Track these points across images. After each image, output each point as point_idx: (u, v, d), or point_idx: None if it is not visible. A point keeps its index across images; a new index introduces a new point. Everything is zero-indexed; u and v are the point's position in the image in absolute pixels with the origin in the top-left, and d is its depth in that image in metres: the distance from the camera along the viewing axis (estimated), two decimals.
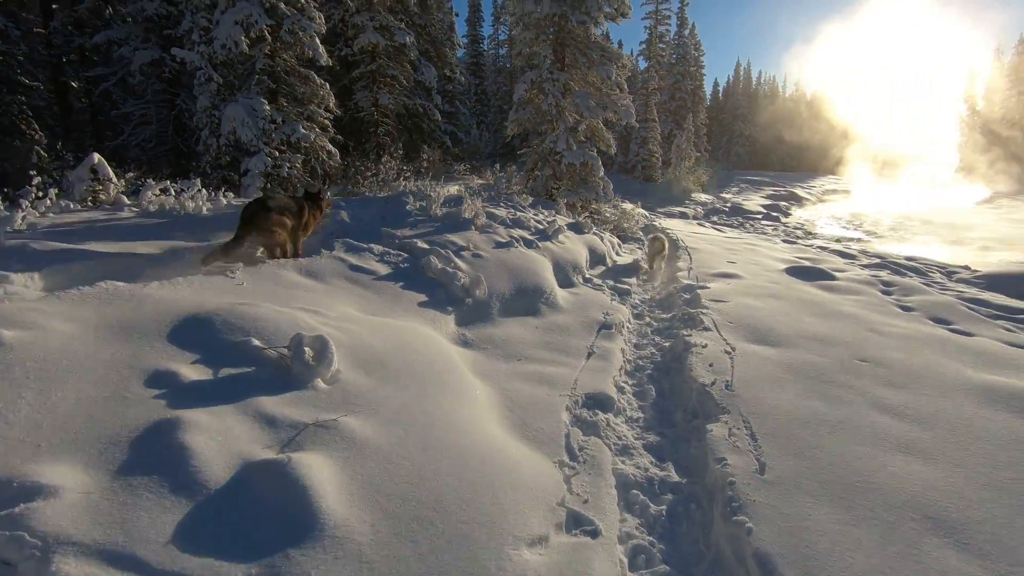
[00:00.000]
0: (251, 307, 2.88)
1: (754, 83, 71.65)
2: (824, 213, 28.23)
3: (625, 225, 11.84)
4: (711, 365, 4.48)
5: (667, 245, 8.82)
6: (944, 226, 21.68)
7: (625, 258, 9.80)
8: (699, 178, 30.08)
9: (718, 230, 17.47)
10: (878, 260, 11.29)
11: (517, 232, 6.62)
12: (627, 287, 7.20)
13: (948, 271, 10.92)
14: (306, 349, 2.47)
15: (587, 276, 7.02)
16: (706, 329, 5.51)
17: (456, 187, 11.75)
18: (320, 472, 1.82)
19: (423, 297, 4.39)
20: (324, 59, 10.33)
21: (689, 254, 9.93)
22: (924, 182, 45.82)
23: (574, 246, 7.38)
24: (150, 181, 7.47)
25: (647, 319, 6.33)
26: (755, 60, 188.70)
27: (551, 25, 10.47)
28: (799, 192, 36.82)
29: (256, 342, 2.55)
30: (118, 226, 5.43)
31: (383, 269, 4.58)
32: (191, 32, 11.10)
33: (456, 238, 5.75)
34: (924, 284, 8.99)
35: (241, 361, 2.45)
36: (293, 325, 2.76)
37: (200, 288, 3.26)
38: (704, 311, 6.08)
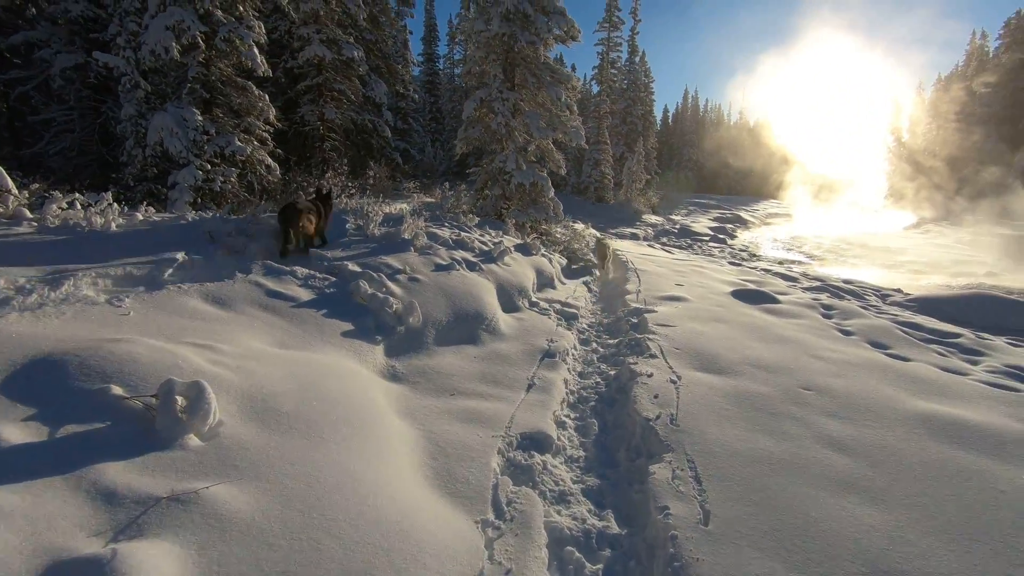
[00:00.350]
0: (124, 344, 2.44)
1: (701, 111, 74.87)
2: (767, 235, 29.38)
3: (576, 246, 11.75)
4: (656, 396, 4.28)
5: (610, 249, 9.36)
6: (877, 250, 22.88)
7: (575, 280, 9.67)
8: (650, 200, 30.80)
9: (667, 251, 17.74)
10: (818, 283, 11.63)
11: (460, 254, 6.33)
12: (574, 311, 7.00)
13: (883, 294, 11.36)
14: (177, 398, 2.06)
15: (533, 300, 6.78)
16: (652, 356, 5.35)
17: (403, 205, 11.38)
18: (156, 569, 1.43)
19: (349, 326, 4.01)
20: (263, 69, 9.83)
21: (638, 276, 9.90)
22: (857, 207, 48.73)
23: (520, 268, 7.14)
24: (55, 193, 6.76)
25: (593, 345, 6.14)
26: (702, 89, 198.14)
27: (501, 44, 10.37)
28: (744, 215, 38.31)
29: (117, 390, 2.12)
30: (5, 243, 4.79)
31: (306, 295, 4.17)
32: (119, 36, 10.39)
33: (392, 260, 5.39)
34: (862, 307, 9.23)
35: (94, 415, 2.02)
36: (172, 367, 2.34)
37: (71, 320, 2.78)
38: (651, 337, 5.95)
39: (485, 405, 3.65)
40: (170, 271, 4.31)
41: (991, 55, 46.04)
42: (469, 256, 6.44)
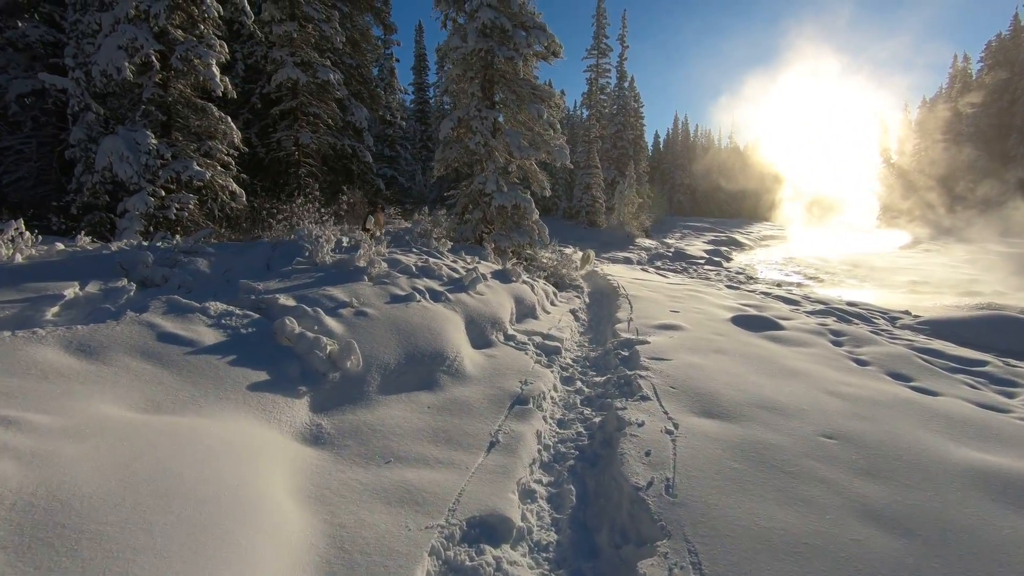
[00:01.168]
0: None
1: (692, 135, 75.51)
2: (763, 257, 28.85)
3: (563, 271, 11.04)
4: (648, 454, 3.48)
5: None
6: (876, 270, 22.31)
7: (561, 307, 8.91)
8: (642, 223, 30.33)
9: (662, 275, 17.07)
10: (822, 306, 10.92)
11: (424, 283, 5.57)
12: (557, 344, 6.22)
13: (891, 316, 10.64)
14: None
15: (509, 333, 6.00)
16: (644, 398, 4.56)
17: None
18: None
19: (262, 375, 3.22)
20: (223, 89, 9.23)
21: (630, 303, 9.17)
22: (850, 228, 48.59)
23: (496, 297, 6.39)
24: None
25: (578, 383, 5.35)
26: (692, 114, 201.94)
27: (479, 61, 9.85)
28: (738, 237, 37.92)
29: None
30: None
31: (213, 337, 3.39)
32: (73, 57, 9.82)
33: (338, 292, 4.63)
34: (872, 332, 8.50)
35: None
36: None
37: None
38: (643, 374, 5.17)
39: (428, 476, 2.84)
40: (54, 310, 3.53)
41: (974, 76, 46.57)
42: (435, 285, 5.68)
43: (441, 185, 29.04)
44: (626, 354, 6.13)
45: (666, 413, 4.23)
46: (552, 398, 4.73)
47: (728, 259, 26.12)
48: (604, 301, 10.60)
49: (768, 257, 29.10)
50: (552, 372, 5.25)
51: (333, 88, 14.12)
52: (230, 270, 5.17)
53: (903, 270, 21.91)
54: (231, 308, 3.78)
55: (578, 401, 4.85)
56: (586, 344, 7.19)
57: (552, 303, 8.88)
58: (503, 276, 7.51)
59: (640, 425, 3.93)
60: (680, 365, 5.54)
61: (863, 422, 4.29)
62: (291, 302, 4.11)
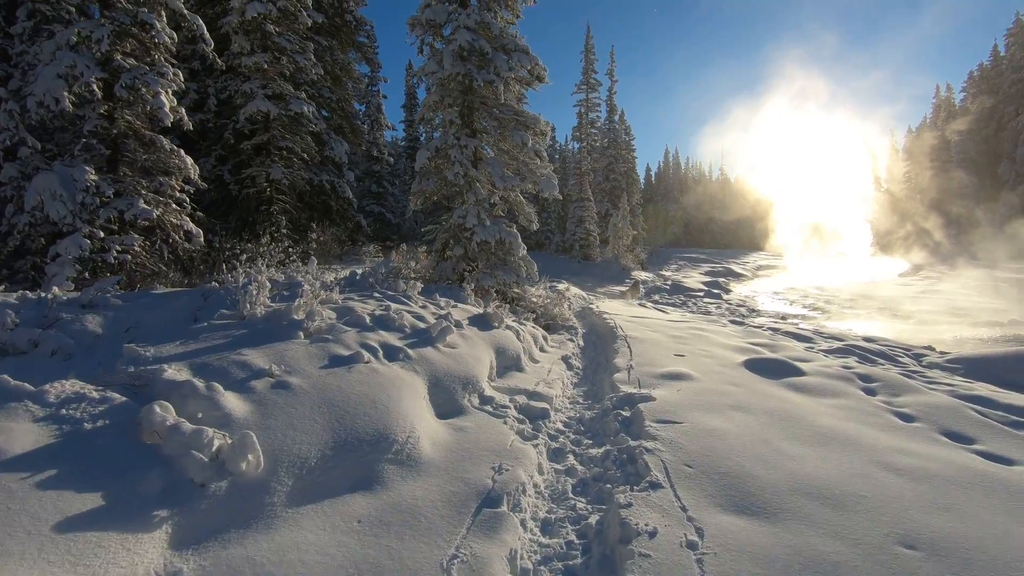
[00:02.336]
0: None
1: (683, 167, 76.20)
2: (762, 288, 28.07)
3: (555, 311, 10.05)
4: None
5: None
6: (881, 299, 21.46)
7: (551, 354, 7.88)
8: (638, 256, 29.60)
9: (661, 310, 16.11)
10: (839, 343, 9.93)
11: (379, 337, 4.56)
12: (544, 404, 5.17)
13: (915, 354, 9.68)
14: None
15: (487, 393, 4.96)
16: (654, 485, 3.52)
17: (357, 269, 9.75)
18: None
19: (95, 500, 2.17)
20: (177, 119, 8.40)
21: (629, 345, 8.16)
22: (846, 256, 48.22)
23: (471, 349, 5.37)
24: None
25: (569, 458, 4.29)
26: (682, 147, 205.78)
27: (457, 86, 9.11)
28: (735, 268, 37.27)
29: None
30: None
31: (32, 439, 2.36)
32: (14, 90, 9.03)
33: (258, 355, 3.61)
34: (903, 375, 7.51)
35: None
36: None
37: None
38: (649, 445, 4.14)
39: None
40: None
41: (958, 105, 47.12)
42: (393, 339, 4.67)
43: (428, 220, 28.37)
44: (627, 414, 5.10)
45: (685, 510, 3.18)
46: (536, 486, 3.66)
47: (727, 291, 25.28)
48: (600, 344, 9.59)
49: (768, 287, 28.33)
50: (537, 447, 4.18)
51: (308, 121, 13.42)
52: (135, 327, 4.16)
53: (909, 299, 21.06)
54: (86, 389, 2.75)
55: (569, 488, 3.78)
56: (580, 400, 6.14)
57: (541, 349, 7.85)
58: (482, 322, 6.51)
59: (652, 535, 2.87)
60: (695, 430, 4.50)
61: (944, 516, 3.25)
62: (182, 374, 3.09)
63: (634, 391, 5.71)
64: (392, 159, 28.45)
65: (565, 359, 7.72)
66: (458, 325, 5.64)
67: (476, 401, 4.72)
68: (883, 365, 8.54)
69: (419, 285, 6.89)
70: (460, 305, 7.01)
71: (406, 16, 9.32)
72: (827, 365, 7.67)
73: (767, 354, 8.22)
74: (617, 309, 14.03)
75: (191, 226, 9.15)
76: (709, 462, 3.89)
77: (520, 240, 9.21)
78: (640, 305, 17.23)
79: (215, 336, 3.87)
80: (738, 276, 33.67)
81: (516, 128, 9.16)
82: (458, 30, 8.69)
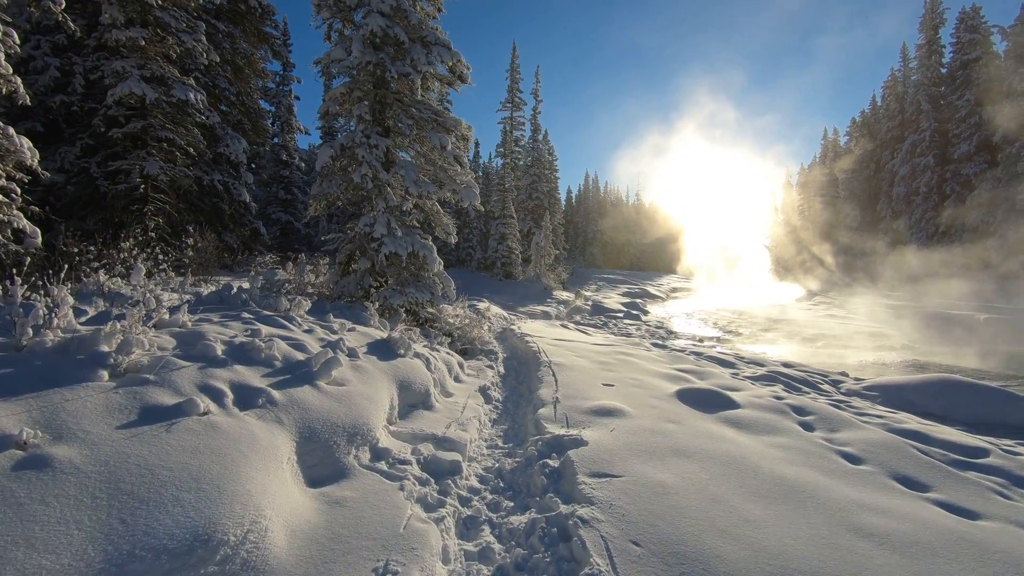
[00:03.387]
0: None
1: (602, 191, 78.63)
2: (676, 310, 28.82)
3: (474, 333, 9.10)
4: None
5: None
6: (784, 322, 22.54)
7: (467, 385, 6.89)
8: (559, 276, 29.42)
9: (583, 332, 15.63)
10: (762, 370, 9.77)
11: (231, 374, 3.37)
12: (455, 456, 4.17)
13: (832, 379, 9.72)
14: None
15: (381, 444, 3.88)
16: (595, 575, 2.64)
17: (244, 283, 8.25)
18: None
19: None
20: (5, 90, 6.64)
21: (554, 373, 7.37)
22: (747, 281, 51.63)
23: (366, 386, 4.27)
24: None
25: (484, 532, 3.32)
26: (601, 172, 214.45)
27: (368, 77, 8.02)
28: (651, 289, 38.35)
29: None
30: None
31: None
32: None
33: (10, 411, 2.35)
34: (832, 406, 7.30)
35: None
36: None
37: None
38: (585, 513, 3.28)
39: None
40: None
41: (843, 147, 52.29)
42: (254, 377, 3.49)
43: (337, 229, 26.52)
44: (556, 465, 4.24)
45: None
46: None
47: (645, 312, 25.58)
48: (523, 370, 8.74)
49: (681, 309, 29.16)
50: (442, 522, 3.17)
51: (197, 111, 11.65)
52: None
53: (811, 324, 22.26)
54: None
55: None
56: (499, 443, 5.19)
57: (457, 379, 6.85)
58: (385, 349, 5.41)
59: None
60: (636, 487, 3.71)
61: None
62: None
63: (562, 432, 4.88)
64: (304, 165, 26.39)
65: (483, 390, 6.76)
66: (352, 354, 4.51)
67: (366, 457, 3.62)
68: (809, 393, 8.37)
69: (306, 303, 5.66)
70: (360, 328, 5.86)
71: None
72: (758, 395, 7.30)
73: (697, 383, 7.75)
74: (540, 330, 13.32)
75: (24, 223, 7.31)
76: (659, 536, 3.08)
77: (436, 254, 8.19)
78: (562, 326, 16.67)
79: None
80: (653, 297, 34.57)
81: (435, 130, 8.20)
82: (370, 15, 7.64)
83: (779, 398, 7.20)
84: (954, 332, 17.42)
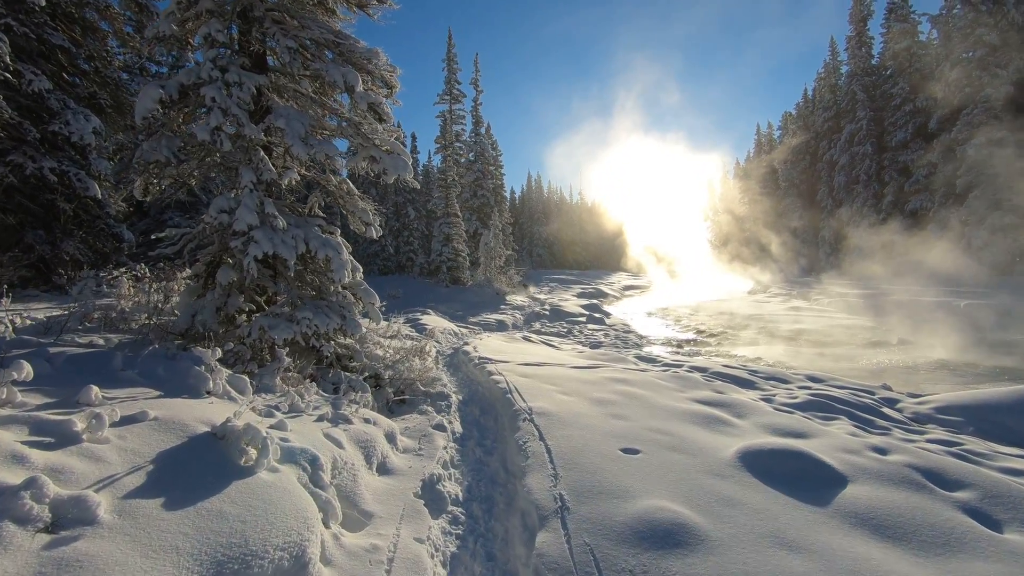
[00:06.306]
0: None
1: (546, 192, 76.89)
2: (635, 309, 26.93)
3: (414, 371, 6.19)
4: None
5: None
6: (755, 319, 20.91)
7: (401, 480, 4.00)
8: (512, 279, 26.73)
9: (550, 345, 12.97)
10: (803, 393, 7.40)
11: None
12: None
13: (881, 398, 7.53)
14: None
15: None
16: None
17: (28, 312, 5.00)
18: None
19: None
20: None
21: (542, 435, 4.61)
22: (695, 275, 51.32)
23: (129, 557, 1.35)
24: None
25: None
26: (544, 173, 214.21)
27: None
28: (604, 289, 36.44)
29: None
30: None
31: None
32: None
33: None
34: (958, 457, 4.99)
35: None
36: None
37: None
38: None
39: None
40: None
41: (777, 141, 52.87)
42: None
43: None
44: None
45: None
46: None
47: (608, 314, 23.34)
48: (490, 425, 5.90)
49: (640, 308, 27.31)
50: None
51: (12, 71, 8.07)
52: None
53: (782, 319, 20.71)
54: None
55: None
56: None
57: (382, 467, 3.94)
58: (203, 463, 2.44)
59: None
60: None
61: None
62: None
63: None
64: None
65: (430, 487, 3.88)
66: (81, 521, 1.56)
67: None
68: (880, 424, 6.09)
69: (25, 366, 2.61)
70: (160, 412, 2.86)
71: None
72: (845, 446, 4.84)
73: (739, 423, 5.28)
74: (501, 349, 10.50)
75: None
76: None
77: (347, 254, 5.25)
78: (524, 339, 13.93)
79: None
80: (607, 296, 32.66)
81: (336, 63, 5.25)
82: None
83: (879, 450, 4.78)
84: (942, 322, 16.11)
